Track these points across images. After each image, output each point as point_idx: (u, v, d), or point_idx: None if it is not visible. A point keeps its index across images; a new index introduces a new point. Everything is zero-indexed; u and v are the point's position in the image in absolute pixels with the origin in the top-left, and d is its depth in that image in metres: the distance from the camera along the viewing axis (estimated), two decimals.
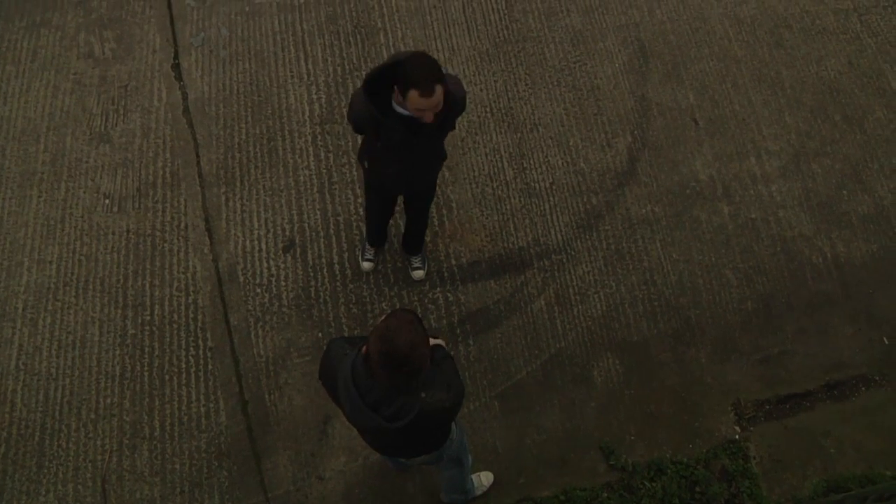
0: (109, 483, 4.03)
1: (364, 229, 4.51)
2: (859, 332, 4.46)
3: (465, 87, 3.51)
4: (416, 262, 4.52)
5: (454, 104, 3.32)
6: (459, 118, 3.77)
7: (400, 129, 3.30)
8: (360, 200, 4.65)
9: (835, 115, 4.99)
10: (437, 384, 2.74)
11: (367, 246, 4.49)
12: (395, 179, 3.73)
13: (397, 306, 4.44)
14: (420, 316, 2.71)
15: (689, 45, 5.21)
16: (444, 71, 3.12)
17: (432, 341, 3.00)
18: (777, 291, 4.55)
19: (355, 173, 4.72)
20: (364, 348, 2.64)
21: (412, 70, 3.03)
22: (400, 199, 4.22)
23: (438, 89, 3.04)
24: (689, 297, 4.53)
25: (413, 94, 3.03)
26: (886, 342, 4.45)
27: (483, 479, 4.03)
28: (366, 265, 4.50)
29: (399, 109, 3.24)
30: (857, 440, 4.26)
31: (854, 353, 4.42)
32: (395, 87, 3.13)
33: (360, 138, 3.74)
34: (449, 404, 2.76)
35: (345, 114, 4.13)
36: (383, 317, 2.61)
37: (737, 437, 4.23)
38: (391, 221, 4.48)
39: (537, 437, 4.19)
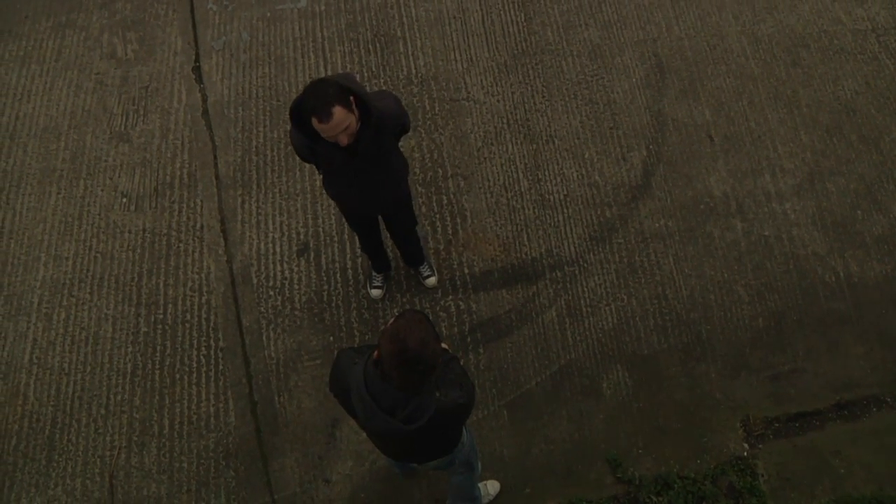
0: (117, 479, 4.06)
1: (367, 259, 4.48)
2: (871, 352, 4.44)
3: (401, 104, 3.45)
4: (425, 271, 4.53)
5: (384, 123, 3.28)
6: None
7: (336, 154, 3.28)
8: None
9: (851, 134, 4.99)
10: (449, 383, 2.77)
11: (374, 273, 4.47)
12: (359, 201, 3.69)
13: None
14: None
15: (706, 61, 5.23)
16: (359, 89, 3.09)
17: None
18: (789, 309, 4.53)
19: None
20: (375, 353, 2.64)
21: (307, 98, 3.01)
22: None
23: (338, 111, 2.98)
24: (700, 313, 4.52)
25: (314, 121, 3.01)
26: None
27: (490, 488, 4.03)
28: (374, 293, 4.48)
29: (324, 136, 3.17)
30: (867, 461, 4.23)
31: (865, 374, 4.40)
32: None
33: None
34: (464, 401, 2.77)
35: None
36: (392, 319, 2.63)
37: (745, 453, 4.21)
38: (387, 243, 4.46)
39: (545, 448, 4.19)
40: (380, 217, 4.10)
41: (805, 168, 4.90)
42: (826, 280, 4.62)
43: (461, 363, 3.01)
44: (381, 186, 3.64)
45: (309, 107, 3.00)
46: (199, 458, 4.12)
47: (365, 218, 3.95)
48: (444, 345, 3.07)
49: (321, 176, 3.71)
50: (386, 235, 4.39)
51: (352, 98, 3.07)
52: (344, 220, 4.03)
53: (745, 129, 5.01)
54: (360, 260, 4.58)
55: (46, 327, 4.37)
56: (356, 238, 4.33)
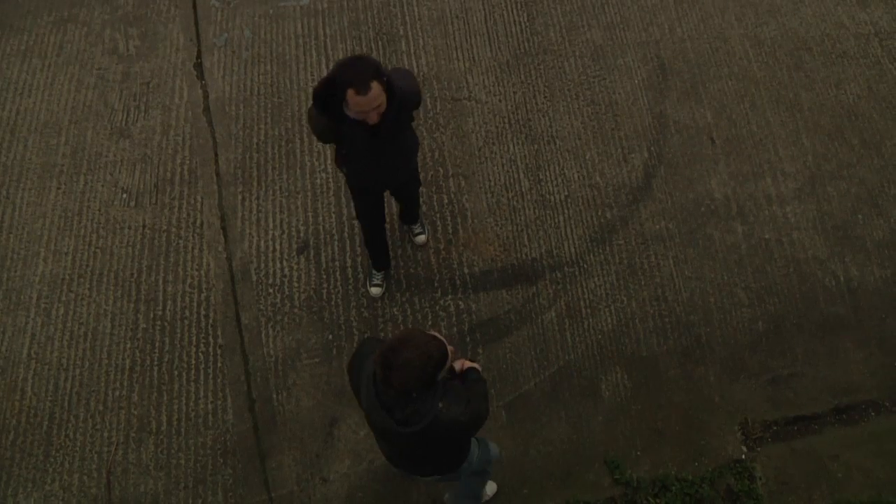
0: (114, 475, 4.05)
1: (366, 253, 4.48)
2: (870, 356, 4.44)
3: (416, 79, 3.54)
4: (417, 228, 4.61)
5: (404, 98, 3.34)
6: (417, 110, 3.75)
7: (358, 133, 3.34)
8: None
9: (852, 138, 4.99)
10: (457, 398, 2.77)
11: (374, 271, 4.49)
12: (374, 178, 3.78)
13: (408, 311, 4.45)
14: (437, 335, 2.72)
15: (708, 64, 5.22)
16: (384, 68, 3.15)
17: (467, 364, 3.05)
18: (788, 313, 4.53)
19: (341, 184, 4.75)
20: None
21: (346, 70, 3.07)
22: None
23: (375, 86, 3.05)
24: (699, 315, 4.52)
25: (350, 93, 3.06)
26: None
27: (486, 489, 4.03)
28: (374, 290, 4.49)
29: (351, 115, 3.25)
30: (866, 466, 4.23)
31: (864, 378, 4.40)
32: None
33: (333, 149, 3.78)
34: (465, 419, 2.77)
35: None
36: (395, 333, 2.69)
37: (743, 456, 4.21)
38: (388, 245, 4.46)
39: (543, 449, 4.18)
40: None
41: (806, 172, 4.90)
42: (826, 284, 4.62)
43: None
44: (397, 162, 3.74)
45: (347, 79, 3.05)
46: (197, 455, 4.11)
47: (375, 191, 4.00)
48: (476, 364, 3.09)
49: (334, 151, 3.75)
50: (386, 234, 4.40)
51: (385, 79, 3.14)
52: (352, 199, 4.09)
53: (746, 132, 5.01)
54: (359, 259, 4.57)
55: (45, 322, 4.36)
56: (361, 233, 4.34)
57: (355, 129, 3.31)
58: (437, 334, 2.71)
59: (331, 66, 3.28)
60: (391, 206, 4.53)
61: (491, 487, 4.04)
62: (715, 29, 5.35)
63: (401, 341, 2.60)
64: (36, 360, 4.27)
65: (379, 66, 3.11)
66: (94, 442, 4.11)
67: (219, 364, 4.31)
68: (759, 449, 4.24)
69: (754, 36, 5.33)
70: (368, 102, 3.09)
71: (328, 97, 3.18)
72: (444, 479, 3.30)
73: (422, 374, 2.60)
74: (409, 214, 4.52)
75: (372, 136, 3.36)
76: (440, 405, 2.70)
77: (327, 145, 4.82)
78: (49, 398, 4.19)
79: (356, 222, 4.63)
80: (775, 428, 4.30)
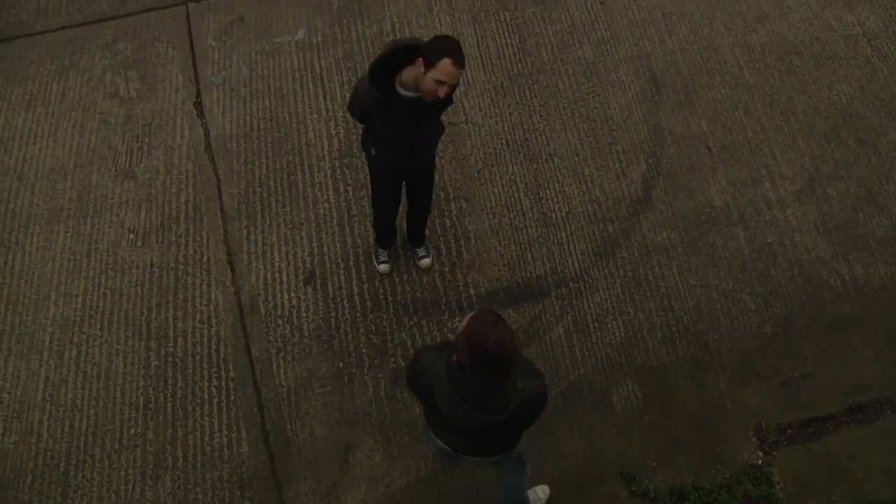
0: None
1: (373, 234, 4.64)
2: (881, 354, 4.43)
3: None
4: (421, 251, 4.69)
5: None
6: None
7: (404, 110, 3.54)
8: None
9: (848, 138, 5.02)
10: (530, 373, 2.89)
11: (379, 249, 4.63)
12: (403, 159, 3.93)
13: (417, 335, 4.48)
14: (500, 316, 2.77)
15: (700, 73, 5.28)
16: None
17: None
18: (795, 315, 4.54)
19: (344, 213, 4.82)
20: (455, 356, 2.74)
21: (445, 41, 3.32)
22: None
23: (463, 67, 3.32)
24: (707, 323, 4.53)
25: (446, 62, 3.26)
26: None
27: (539, 493, 4.03)
28: (383, 267, 4.64)
29: (403, 92, 3.50)
30: (885, 464, 4.20)
31: (876, 376, 4.38)
32: (421, 60, 3.32)
33: (362, 132, 3.96)
34: (544, 388, 2.89)
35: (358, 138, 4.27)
36: (465, 321, 2.70)
37: (759, 461, 4.19)
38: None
39: (557, 464, 4.18)
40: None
41: (804, 174, 4.93)
42: (831, 284, 4.62)
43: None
44: (424, 144, 3.96)
45: (447, 49, 3.28)
46: (214, 488, 4.12)
47: (399, 176, 4.15)
48: None
49: (364, 136, 3.95)
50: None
51: None
52: (371, 186, 4.26)
53: (742, 139, 5.05)
54: (366, 285, 4.61)
55: (58, 364, 4.40)
56: (373, 206, 4.42)
57: (402, 105, 3.52)
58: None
59: (388, 43, 3.47)
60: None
61: (544, 491, 4.05)
62: (705, 39, 5.42)
63: (481, 327, 2.62)
64: (51, 402, 4.31)
65: None
66: (111, 481, 4.13)
67: (232, 397, 4.33)
68: (775, 453, 4.22)
69: (744, 43, 5.39)
70: (457, 76, 3.32)
71: (385, 69, 3.44)
72: (500, 460, 3.35)
73: (515, 345, 2.65)
74: (419, 226, 4.57)
75: (417, 113, 3.56)
76: (519, 384, 2.79)
77: (330, 179, 4.89)
78: (65, 439, 4.22)
79: (361, 250, 4.68)
80: (790, 431, 4.28)
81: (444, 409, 2.83)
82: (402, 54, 3.40)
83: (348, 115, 4.00)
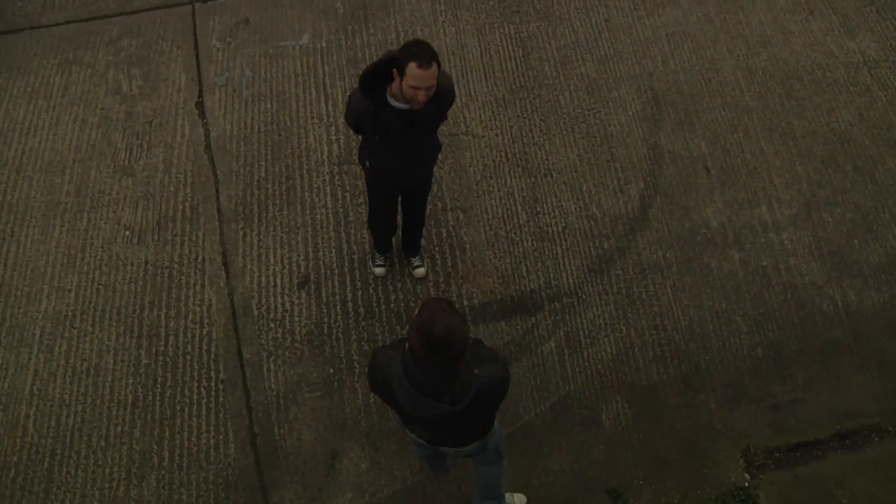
0: None
1: (370, 240, 4.65)
2: (871, 381, 4.43)
3: (454, 84, 3.81)
4: (416, 261, 4.68)
5: (444, 96, 3.60)
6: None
7: (396, 121, 3.53)
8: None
9: (846, 165, 5.05)
10: (485, 359, 2.90)
11: (376, 253, 4.64)
12: (397, 173, 3.93)
13: None
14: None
15: (701, 94, 5.31)
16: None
17: None
18: (787, 339, 4.54)
19: (340, 219, 4.84)
20: (407, 345, 2.75)
21: (411, 46, 3.30)
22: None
23: (434, 67, 3.27)
24: (699, 343, 4.53)
25: (412, 66, 3.24)
26: None
27: (516, 500, 4.01)
28: (379, 270, 4.65)
29: (394, 103, 3.50)
30: (871, 492, 4.20)
31: (866, 403, 4.39)
32: (395, 71, 3.33)
33: (360, 143, 3.96)
34: (503, 373, 2.90)
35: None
36: (417, 310, 2.71)
37: (746, 484, 4.18)
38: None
39: (545, 479, 4.17)
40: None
41: (801, 198, 4.95)
42: (824, 309, 4.63)
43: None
44: (421, 159, 3.94)
45: (412, 53, 3.26)
46: (199, 490, 4.10)
47: (394, 191, 4.16)
48: None
49: (360, 147, 3.95)
50: None
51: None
52: (368, 201, 4.31)
53: (740, 161, 5.07)
54: (360, 292, 4.61)
55: (48, 359, 4.39)
56: (369, 217, 4.44)
57: (393, 116, 3.52)
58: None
59: (383, 54, 3.49)
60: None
61: (521, 500, 4.03)
62: (707, 60, 5.45)
63: (431, 314, 2.63)
64: (38, 397, 4.29)
65: (436, 52, 3.32)
66: (95, 478, 4.11)
67: (221, 399, 4.32)
68: (762, 476, 4.22)
69: (746, 66, 5.42)
70: (426, 78, 3.27)
71: (376, 79, 3.43)
72: (474, 450, 3.34)
73: (465, 332, 2.65)
74: (414, 237, 4.58)
75: (409, 124, 3.55)
76: (476, 371, 2.80)
77: (328, 185, 4.90)
78: (51, 435, 4.20)
79: (356, 256, 4.68)
80: (778, 454, 4.28)
81: (404, 403, 2.82)
82: (390, 65, 3.39)
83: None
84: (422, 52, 3.25)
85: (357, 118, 3.63)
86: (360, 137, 3.88)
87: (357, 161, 4.47)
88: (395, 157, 3.78)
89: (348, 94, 5.18)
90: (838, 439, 4.33)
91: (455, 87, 3.77)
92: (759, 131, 5.16)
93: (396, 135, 3.61)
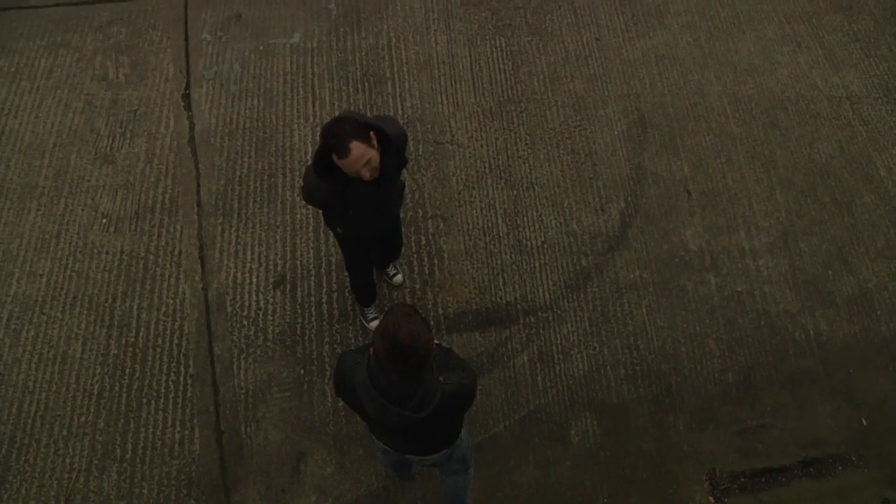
0: (73, 503, 3.97)
1: (354, 297, 4.53)
2: (838, 410, 4.47)
3: (401, 126, 3.59)
4: (392, 270, 4.64)
5: (399, 147, 3.40)
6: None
7: (365, 191, 3.39)
8: None
9: (824, 196, 5.10)
10: (452, 367, 2.91)
11: (365, 308, 4.53)
12: (369, 229, 3.83)
13: None
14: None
15: (687, 118, 5.35)
16: (369, 121, 3.20)
17: None
18: (758, 364, 4.57)
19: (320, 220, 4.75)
20: (372, 350, 2.74)
21: (326, 137, 3.12)
22: None
23: (356, 146, 3.09)
24: (670, 364, 4.55)
25: (334, 157, 3.13)
26: (865, 423, 4.46)
27: None
28: (374, 325, 4.51)
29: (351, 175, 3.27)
30: None
31: (832, 432, 4.42)
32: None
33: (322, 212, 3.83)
34: (468, 382, 2.89)
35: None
36: (382, 315, 2.69)
37: None
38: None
39: (510, 492, 4.16)
40: None
41: (779, 227, 4.99)
42: (796, 338, 4.67)
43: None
44: (391, 205, 3.82)
45: (329, 146, 3.10)
46: (161, 485, 4.05)
47: (368, 242, 4.05)
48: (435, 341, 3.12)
49: (326, 216, 3.78)
50: None
51: (372, 133, 3.17)
52: (343, 254, 4.16)
53: (722, 186, 5.11)
54: (335, 295, 4.59)
55: (14, 343, 4.32)
56: (348, 277, 4.35)
57: (360, 187, 3.35)
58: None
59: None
60: None
61: None
62: (694, 85, 5.50)
63: (395, 319, 2.61)
64: (0, 382, 4.21)
65: (359, 124, 3.13)
66: (54, 468, 4.05)
67: (188, 394, 4.27)
68: (726, 500, 4.23)
69: (732, 93, 5.48)
70: (353, 163, 3.13)
71: (328, 163, 3.22)
72: (440, 459, 3.32)
73: (429, 338, 2.64)
74: (391, 259, 4.54)
75: (377, 187, 3.40)
76: (441, 379, 2.79)
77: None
78: (11, 421, 4.13)
79: (333, 259, 4.66)
80: (743, 479, 4.30)
81: (369, 409, 2.80)
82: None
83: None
84: (336, 141, 3.09)
85: (323, 200, 3.52)
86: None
87: (326, 227, 4.30)
88: (366, 218, 3.67)
89: (341, 94, 5.20)
90: (803, 467, 4.36)
91: (403, 129, 3.54)
92: (741, 158, 5.21)
93: (365, 202, 3.50)
